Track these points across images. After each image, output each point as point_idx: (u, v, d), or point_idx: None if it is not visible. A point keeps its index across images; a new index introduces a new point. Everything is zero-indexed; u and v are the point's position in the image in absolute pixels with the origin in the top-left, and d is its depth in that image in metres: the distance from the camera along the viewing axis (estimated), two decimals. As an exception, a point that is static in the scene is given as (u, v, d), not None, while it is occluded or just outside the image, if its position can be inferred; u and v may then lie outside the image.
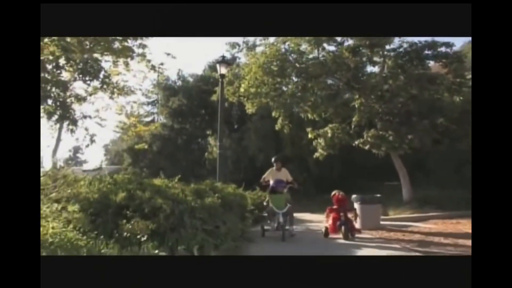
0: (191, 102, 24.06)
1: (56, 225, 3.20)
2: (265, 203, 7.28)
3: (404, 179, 12.92)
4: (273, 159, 7.98)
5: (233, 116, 19.40)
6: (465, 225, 8.31)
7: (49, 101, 6.01)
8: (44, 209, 3.52)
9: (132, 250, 2.79)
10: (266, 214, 7.19)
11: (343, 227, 6.21)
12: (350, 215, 6.58)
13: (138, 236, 3.30)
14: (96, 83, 6.70)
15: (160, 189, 4.59)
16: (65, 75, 6.67)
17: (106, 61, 7.74)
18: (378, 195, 8.53)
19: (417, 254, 3.10)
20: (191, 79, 26.31)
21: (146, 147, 13.06)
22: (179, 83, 26.08)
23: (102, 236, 3.16)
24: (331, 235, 6.46)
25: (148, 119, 30.16)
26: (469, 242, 6.09)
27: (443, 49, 12.20)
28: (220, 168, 10.51)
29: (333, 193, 6.97)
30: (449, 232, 7.54)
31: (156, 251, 2.89)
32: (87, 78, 6.45)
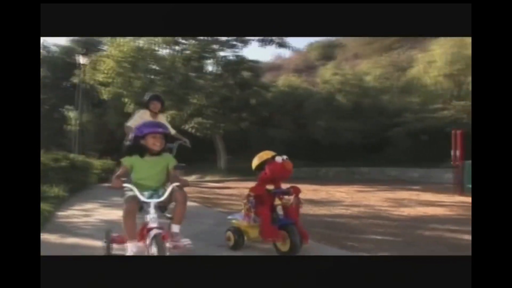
0: (55, 74, 25.30)
1: None
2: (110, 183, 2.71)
3: (220, 154, 18.12)
4: (147, 97, 4.98)
5: (95, 95, 21.90)
6: (228, 184, 13.48)
7: None
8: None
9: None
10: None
11: (289, 234, 3.21)
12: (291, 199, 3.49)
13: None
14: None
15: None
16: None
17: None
18: (182, 164, 12.90)
19: (416, 254, 3.39)
20: (56, 49, 27.07)
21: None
22: (44, 53, 26.62)
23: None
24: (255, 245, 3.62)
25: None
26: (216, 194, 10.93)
27: (252, 63, 17.49)
28: (80, 140, 13.61)
29: (271, 155, 3.50)
30: (213, 186, 12.44)
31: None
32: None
